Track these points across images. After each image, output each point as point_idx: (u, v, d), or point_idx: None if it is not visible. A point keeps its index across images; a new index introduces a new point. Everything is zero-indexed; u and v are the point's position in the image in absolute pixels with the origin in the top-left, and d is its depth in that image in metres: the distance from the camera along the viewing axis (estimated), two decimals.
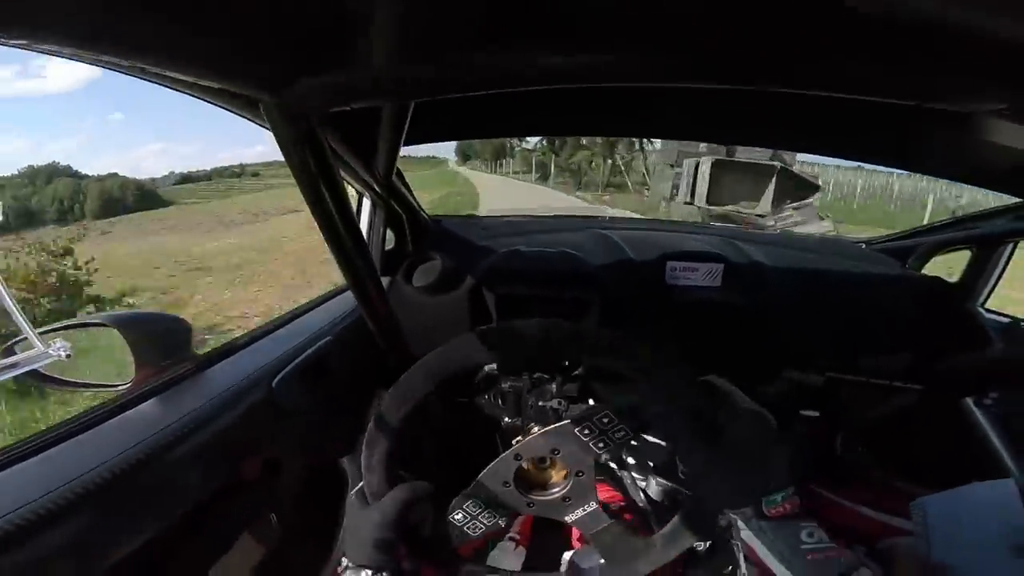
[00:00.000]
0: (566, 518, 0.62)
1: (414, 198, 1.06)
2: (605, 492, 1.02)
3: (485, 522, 0.61)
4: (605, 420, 0.58)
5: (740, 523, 0.49)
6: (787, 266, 1.11)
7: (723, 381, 0.57)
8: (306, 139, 0.52)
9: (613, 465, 1.04)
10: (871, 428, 1.27)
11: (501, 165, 31.45)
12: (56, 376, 0.67)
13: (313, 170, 0.54)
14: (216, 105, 0.53)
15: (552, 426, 0.60)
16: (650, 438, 0.63)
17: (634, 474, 1.05)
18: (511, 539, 0.97)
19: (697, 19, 0.36)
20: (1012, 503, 0.76)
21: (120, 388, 0.69)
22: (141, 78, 0.46)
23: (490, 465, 0.60)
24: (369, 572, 0.58)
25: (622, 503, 0.98)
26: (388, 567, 0.58)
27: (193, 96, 0.51)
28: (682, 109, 1.04)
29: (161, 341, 0.72)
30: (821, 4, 0.33)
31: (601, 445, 0.59)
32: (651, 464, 0.86)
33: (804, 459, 1.22)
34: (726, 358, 1.15)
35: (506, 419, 1.05)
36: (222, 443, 0.69)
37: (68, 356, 0.59)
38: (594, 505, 0.61)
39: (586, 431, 0.58)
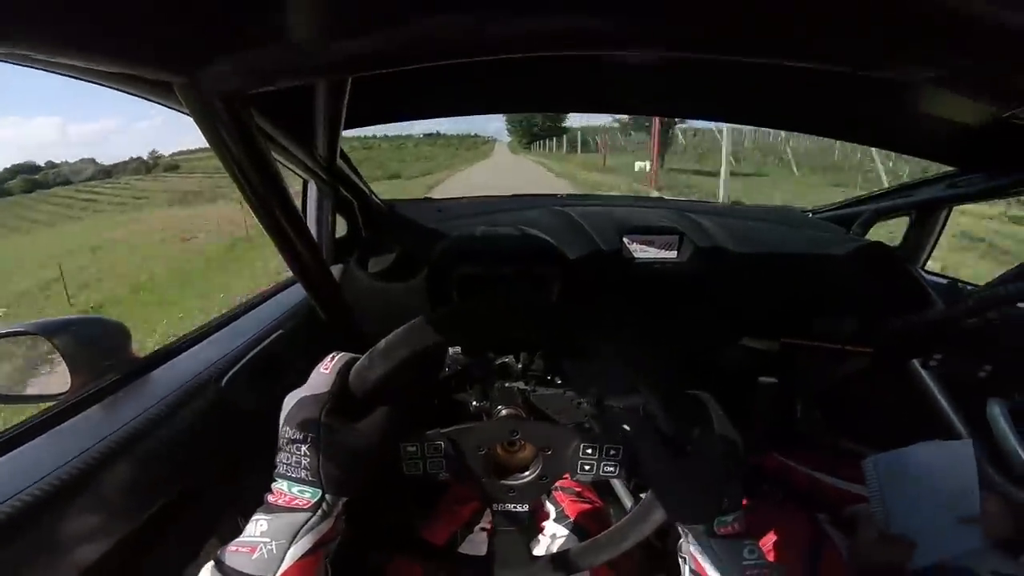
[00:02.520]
0: (498, 505, 0.60)
1: (363, 182, 1.02)
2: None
3: (429, 468, 0.57)
4: (611, 452, 0.55)
5: (691, 538, 0.50)
6: (739, 236, 1.13)
7: (708, 397, 0.55)
8: (230, 122, 0.47)
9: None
10: (826, 393, 1.32)
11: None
12: None
13: (240, 155, 0.50)
14: (125, 92, 0.49)
15: (565, 425, 0.57)
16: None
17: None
18: (482, 529, 0.95)
19: None
20: (964, 464, 0.79)
21: (54, 399, 0.65)
22: (29, 66, 0.42)
23: (486, 423, 0.55)
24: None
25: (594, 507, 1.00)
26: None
27: (97, 84, 0.47)
28: (633, 81, 1.03)
29: (96, 346, 0.68)
30: None
31: (587, 468, 0.57)
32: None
33: (765, 424, 1.28)
34: (685, 328, 1.18)
35: (474, 403, 1.05)
36: (174, 448, 0.66)
37: None
38: (526, 508, 0.60)
39: (588, 450, 0.56)
